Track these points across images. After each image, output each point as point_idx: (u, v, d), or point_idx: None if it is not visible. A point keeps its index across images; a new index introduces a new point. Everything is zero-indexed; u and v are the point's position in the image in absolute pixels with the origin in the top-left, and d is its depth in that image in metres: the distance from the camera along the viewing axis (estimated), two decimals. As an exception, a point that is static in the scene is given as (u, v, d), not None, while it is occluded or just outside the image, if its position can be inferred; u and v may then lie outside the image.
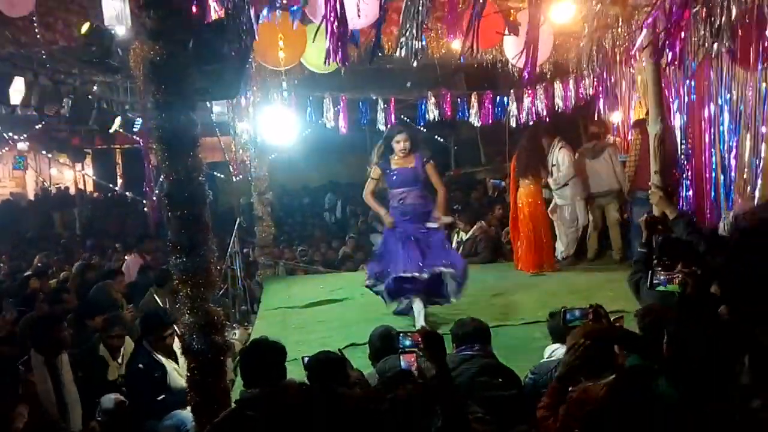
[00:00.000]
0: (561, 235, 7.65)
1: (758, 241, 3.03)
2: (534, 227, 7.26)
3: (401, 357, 3.02)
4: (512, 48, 5.73)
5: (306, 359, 3.35)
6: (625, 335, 2.99)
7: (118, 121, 7.96)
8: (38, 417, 3.63)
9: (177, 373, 4.38)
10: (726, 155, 6.07)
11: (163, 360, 4.40)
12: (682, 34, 3.52)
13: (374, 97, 8.75)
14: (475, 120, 8.79)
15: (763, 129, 5.87)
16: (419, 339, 2.98)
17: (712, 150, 6.29)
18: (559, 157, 7.35)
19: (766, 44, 5.19)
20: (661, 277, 3.35)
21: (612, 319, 3.37)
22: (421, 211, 5.51)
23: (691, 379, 2.48)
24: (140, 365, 4.33)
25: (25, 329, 4.37)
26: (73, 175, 17.56)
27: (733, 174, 6.00)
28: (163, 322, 4.56)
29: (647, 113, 6.39)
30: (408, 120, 9.81)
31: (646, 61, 4.60)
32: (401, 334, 3.08)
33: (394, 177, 5.54)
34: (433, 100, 8.72)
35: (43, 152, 15.19)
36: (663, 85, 4.88)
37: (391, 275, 5.30)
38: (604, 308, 3.35)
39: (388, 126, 8.34)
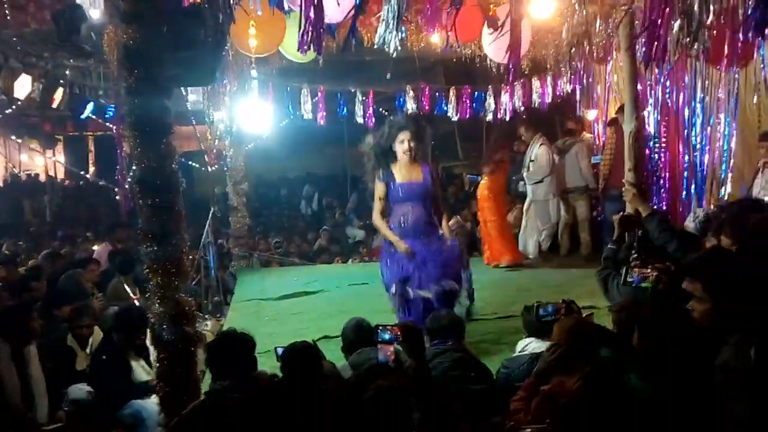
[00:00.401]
0: (533, 232, 7.67)
1: (753, 244, 3.09)
2: (490, 219, 7.37)
3: (379, 349, 3.00)
4: (491, 44, 5.75)
5: (279, 350, 3.31)
6: (599, 330, 3.02)
7: (90, 106, 7.81)
8: (3, 408, 3.54)
9: (142, 369, 4.33)
10: (698, 154, 6.18)
11: (130, 358, 4.33)
12: (661, 32, 3.55)
13: (353, 90, 8.71)
14: (453, 114, 8.80)
15: (734, 128, 5.99)
16: (398, 332, 2.97)
17: (684, 148, 6.39)
18: (539, 153, 7.38)
19: (739, 45, 5.29)
20: (635, 275, 3.40)
21: (583, 315, 3.41)
22: (425, 228, 4.67)
23: (663, 373, 2.52)
24: (104, 356, 4.26)
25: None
26: (44, 162, 17.20)
27: (704, 172, 6.11)
28: (139, 327, 4.34)
29: (619, 110, 6.50)
30: (386, 113, 9.82)
31: (623, 59, 4.63)
32: (380, 328, 3.06)
33: (399, 192, 4.67)
34: (411, 93, 8.70)
35: (13, 137, 14.84)
36: (638, 83, 4.93)
37: (406, 295, 4.64)
38: (576, 304, 3.38)
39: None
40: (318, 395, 2.77)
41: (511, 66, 4.29)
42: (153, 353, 4.19)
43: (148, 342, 4.41)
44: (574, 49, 6.95)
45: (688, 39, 3.53)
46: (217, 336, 3.59)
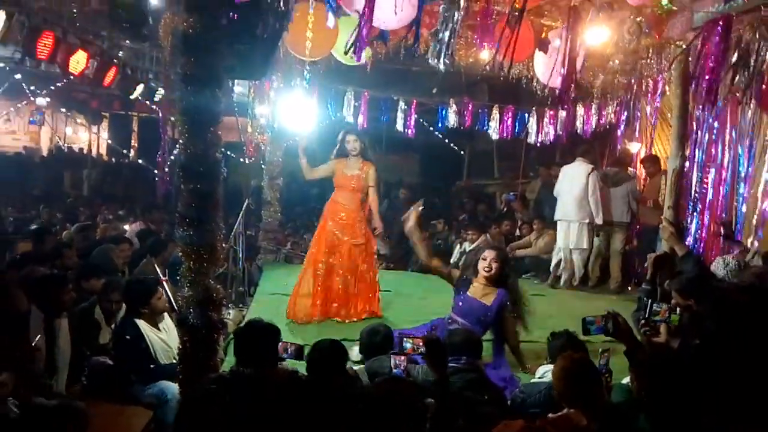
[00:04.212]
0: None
1: None
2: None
3: (391, 358, 3.02)
4: (541, 65, 5.74)
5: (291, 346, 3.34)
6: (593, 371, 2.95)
7: (140, 88, 7.98)
8: (29, 376, 3.61)
9: (165, 344, 4.38)
10: (739, 198, 6.05)
11: (150, 332, 4.36)
12: (716, 76, 3.52)
13: (396, 98, 8.76)
14: (493, 133, 8.78)
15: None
16: (421, 344, 2.98)
17: (725, 191, 6.27)
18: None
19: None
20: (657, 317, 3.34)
21: (600, 351, 3.36)
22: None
23: (664, 414, 2.49)
24: (127, 336, 4.32)
25: (30, 286, 4.32)
26: (88, 137, 17.61)
27: (742, 220, 5.98)
28: (149, 290, 4.41)
29: (645, 159, 6.32)
30: (425, 124, 9.84)
31: (673, 96, 4.58)
32: (404, 339, 3.08)
33: (460, 303, 4.59)
34: (454, 107, 8.71)
35: (62, 110, 15.25)
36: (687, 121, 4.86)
37: None
38: (621, 316, 3.30)
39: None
40: (337, 394, 2.79)
41: (561, 90, 4.28)
42: (176, 333, 4.28)
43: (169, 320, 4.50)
44: (623, 79, 6.89)
45: (743, 83, 3.48)
46: (243, 325, 3.64)
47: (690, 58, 4.34)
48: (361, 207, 5.91)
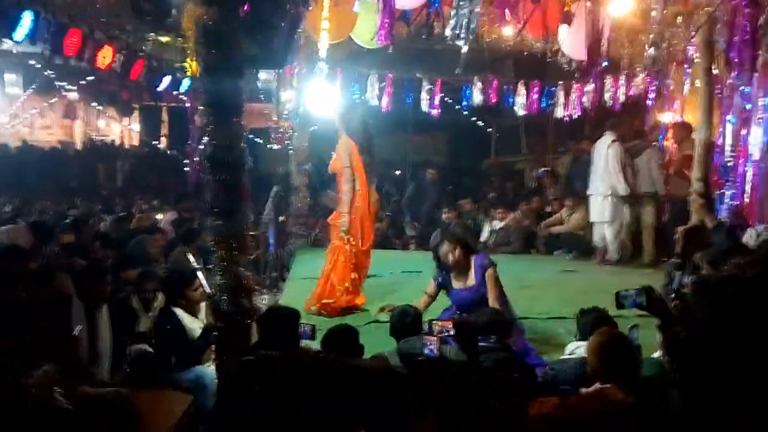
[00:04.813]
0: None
1: None
2: None
3: (425, 340, 3.07)
4: (566, 38, 5.65)
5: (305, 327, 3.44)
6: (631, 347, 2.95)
7: (167, 79, 8.08)
8: (74, 365, 3.74)
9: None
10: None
11: (188, 320, 4.48)
12: (746, 39, 3.42)
13: (420, 77, 8.71)
14: (520, 109, 8.68)
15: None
16: (450, 326, 3.02)
17: (759, 162, 6.09)
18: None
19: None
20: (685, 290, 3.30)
21: (629, 327, 3.34)
22: None
23: (697, 389, 2.48)
24: (166, 326, 4.45)
25: (71, 277, 4.47)
26: (120, 129, 17.92)
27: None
28: (185, 281, 4.57)
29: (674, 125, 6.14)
30: (451, 102, 9.76)
31: (701, 64, 4.48)
32: (433, 322, 3.13)
33: (454, 299, 4.72)
34: (479, 85, 8.63)
35: (93, 104, 15.53)
36: (716, 90, 4.72)
37: None
38: (656, 290, 3.27)
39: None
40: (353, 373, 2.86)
41: (589, 63, 4.19)
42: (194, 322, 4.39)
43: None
44: (651, 49, 6.72)
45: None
46: (265, 311, 3.73)
47: (719, 26, 4.23)
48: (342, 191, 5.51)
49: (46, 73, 11.66)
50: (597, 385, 2.67)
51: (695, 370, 2.46)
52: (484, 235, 8.76)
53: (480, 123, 13.60)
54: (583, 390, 2.75)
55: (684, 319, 2.79)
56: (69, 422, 2.85)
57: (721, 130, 6.48)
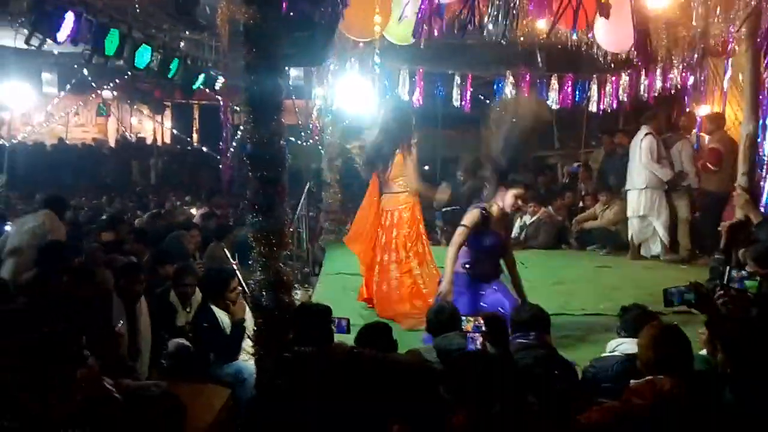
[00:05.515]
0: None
1: None
2: None
3: (468, 337, 3.06)
4: (602, 31, 5.55)
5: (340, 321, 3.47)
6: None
7: (201, 77, 8.17)
8: (116, 360, 3.82)
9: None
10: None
11: (225, 318, 4.54)
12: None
13: (451, 72, 8.66)
14: (552, 102, 8.59)
15: None
16: (482, 322, 3.01)
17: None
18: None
19: None
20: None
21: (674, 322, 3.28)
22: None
23: (750, 387, 2.44)
24: (204, 324, 4.51)
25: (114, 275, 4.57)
26: (153, 126, 18.18)
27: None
28: (224, 282, 4.59)
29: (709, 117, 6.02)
30: (483, 97, 9.69)
31: (745, 57, 4.37)
32: (464, 318, 3.12)
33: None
34: (511, 79, 8.55)
35: (127, 102, 15.76)
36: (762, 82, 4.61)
37: None
38: (704, 286, 3.21)
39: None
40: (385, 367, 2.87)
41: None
42: (249, 316, 4.43)
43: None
44: (690, 40, 6.59)
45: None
46: (297, 308, 3.76)
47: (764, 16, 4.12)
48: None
49: (81, 73, 11.85)
50: (648, 378, 2.63)
51: (751, 367, 2.41)
52: (515, 230, 8.69)
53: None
54: (633, 382, 2.71)
55: (736, 315, 2.75)
56: (121, 412, 2.91)
57: (761, 123, 6.35)
